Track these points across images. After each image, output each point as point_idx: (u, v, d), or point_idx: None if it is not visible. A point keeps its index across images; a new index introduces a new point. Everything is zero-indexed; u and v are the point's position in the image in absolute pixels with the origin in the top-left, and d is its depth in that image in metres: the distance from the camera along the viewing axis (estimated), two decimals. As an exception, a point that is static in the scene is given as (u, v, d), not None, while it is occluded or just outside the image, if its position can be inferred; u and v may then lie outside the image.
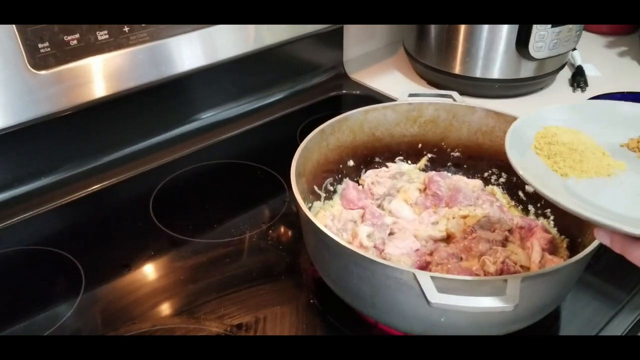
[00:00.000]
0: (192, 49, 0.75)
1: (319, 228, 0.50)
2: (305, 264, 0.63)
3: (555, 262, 0.54)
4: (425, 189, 0.69)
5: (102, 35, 0.66)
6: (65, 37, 0.63)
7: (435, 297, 0.42)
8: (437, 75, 1.00)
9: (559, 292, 0.51)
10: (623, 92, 0.94)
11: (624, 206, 0.39)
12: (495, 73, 0.95)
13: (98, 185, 0.76)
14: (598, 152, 0.44)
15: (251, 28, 0.81)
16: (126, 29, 0.67)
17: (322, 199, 0.68)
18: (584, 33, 1.24)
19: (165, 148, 0.83)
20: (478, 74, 0.96)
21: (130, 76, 0.70)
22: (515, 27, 0.90)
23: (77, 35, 0.64)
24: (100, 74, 0.68)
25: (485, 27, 0.91)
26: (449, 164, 0.73)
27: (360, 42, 1.13)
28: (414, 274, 0.44)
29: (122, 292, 0.61)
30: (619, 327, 0.57)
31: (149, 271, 0.64)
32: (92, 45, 0.65)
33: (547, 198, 0.38)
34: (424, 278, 0.44)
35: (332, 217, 0.64)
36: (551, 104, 0.50)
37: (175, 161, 0.82)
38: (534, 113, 0.49)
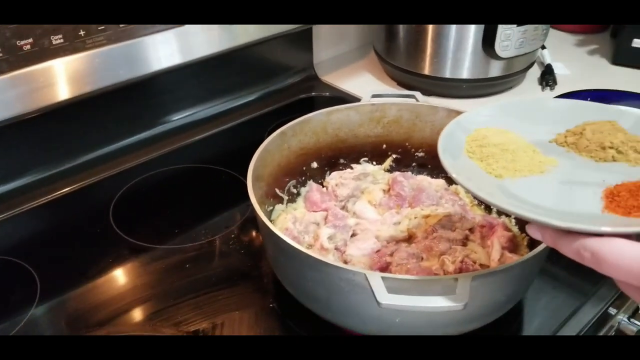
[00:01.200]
0: (155, 51, 0.74)
1: (272, 231, 0.50)
2: (266, 268, 0.62)
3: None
4: (389, 190, 0.68)
5: (57, 39, 0.65)
6: (18, 42, 0.62)
7: (385, 297, 0.42)
8: (407, 77, 1.00)
9: (514, 290, 0.50)
10: (590, 90, 0.95)
11: (555, 200, 0.39)
12: (464, 73, 0.95)
13: (57, 193, 0.75)
14: (529, 150, 0.44)
15: (218, 28, 0.80)
16: (82, 32, 0.66)
17: (285, 202, 0.67)
18: (554, 32, 1.25)
19: (129, 153, 0.82)
20: (447, 74, 0.96)
21: (88, 80, 0.69)
22: (482, 26, 0.90)
23: (31, 40, 0.63)
24: (56, 79, 0.66)
25: (453, 27, 0.91)
26: (413, 164, 0.73)
27: (331, 44, 1.13)
28: (365, 275, 0.44)
29: (77, 301, 0.59)
30: (584, 319, 0.57)
31: (106, 279, 0.63)
32: (46, 50, 0.64)
33: (483, 200, 0.38)
34: (375, 279, 0.43)
35: (294, 220, 0.63)
36: (479, 106, 0.50)
37: (138, 166, 0.81)
38: (463, 116, 0.49)
